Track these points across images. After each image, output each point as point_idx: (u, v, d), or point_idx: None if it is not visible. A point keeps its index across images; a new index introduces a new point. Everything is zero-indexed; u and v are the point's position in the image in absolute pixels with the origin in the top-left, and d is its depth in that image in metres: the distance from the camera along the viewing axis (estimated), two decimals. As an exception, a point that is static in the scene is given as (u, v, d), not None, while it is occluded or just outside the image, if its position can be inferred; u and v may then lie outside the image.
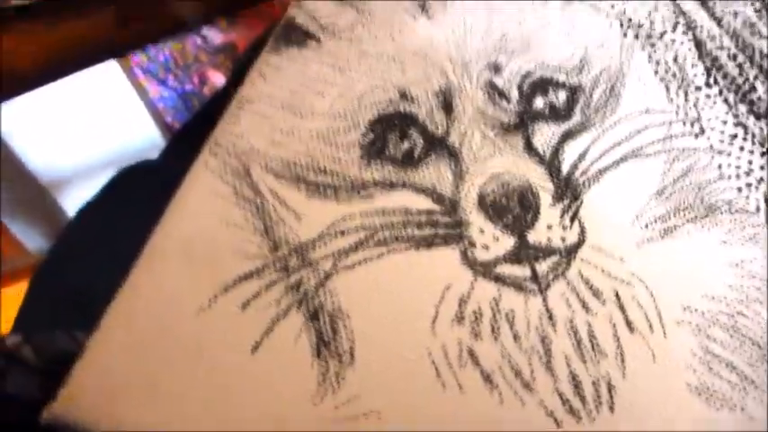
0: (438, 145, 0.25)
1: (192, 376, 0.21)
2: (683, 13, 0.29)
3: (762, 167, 0.27)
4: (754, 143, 0.27)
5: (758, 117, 0.28)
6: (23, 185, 1.03)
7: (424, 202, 0.24)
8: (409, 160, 0.25)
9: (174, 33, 0.32)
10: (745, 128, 0.27)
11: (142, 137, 1.09)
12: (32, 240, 1.03)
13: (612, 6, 0.29)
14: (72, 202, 1.06)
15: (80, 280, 0.31)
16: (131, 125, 1.08)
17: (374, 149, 0.25)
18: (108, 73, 0.95)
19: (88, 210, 0.45)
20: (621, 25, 0.29)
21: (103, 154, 1.08)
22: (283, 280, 0.22)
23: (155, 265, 0.22)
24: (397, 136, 0.25)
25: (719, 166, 0.26)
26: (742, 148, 0.27)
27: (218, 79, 1.10)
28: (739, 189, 0.26)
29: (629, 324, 0.23)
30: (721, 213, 0.26)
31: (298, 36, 0.26)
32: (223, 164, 0.24)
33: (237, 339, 0.21)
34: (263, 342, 0.21)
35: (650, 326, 0.23)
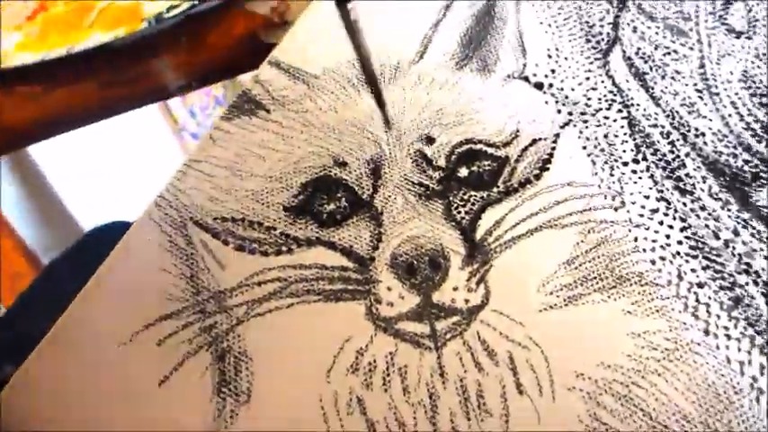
0: (362, 207, 0.28)
1: (107, 400, 0.23)
2: (621, 92, 0.31)
3: (679, 242, 0.27)
4: (674, 218, 0.28)
5: (683, 193, 0.29)
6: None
7: (340, 260, 0.27)
8: (332, 220, 0.27)
9: (155, 99, 0.35)
10: (668, 203, 0.28)
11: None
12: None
13: (551, 84, 0.31)
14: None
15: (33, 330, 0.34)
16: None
17: (301, 209, 0.27)
18: (157, 135, 1.03)
19: (57, 263, 0.48)
20: (557, 101, 0.31)
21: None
22: (199, 322, 0.25)
23: (92, 300, 0.25)
24: (325, 198, 0.28)
25: (635, 239, 0.27)
26: (661, 222, 0.28)
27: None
28: (653, 262, 0.27)
29: (518, 386, 0.24)
30: (630, 285, 0.26)
31: (250, 106, 0.30)
32: (164, 215, 0.27)
33: (149, 372, 0.24)
34: (172, 376, 0.24)
35: (540, 389, 0.24)
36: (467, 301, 0.26)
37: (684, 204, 0.28)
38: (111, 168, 1.04)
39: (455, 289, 0.26)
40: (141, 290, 0.26)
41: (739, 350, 0.25)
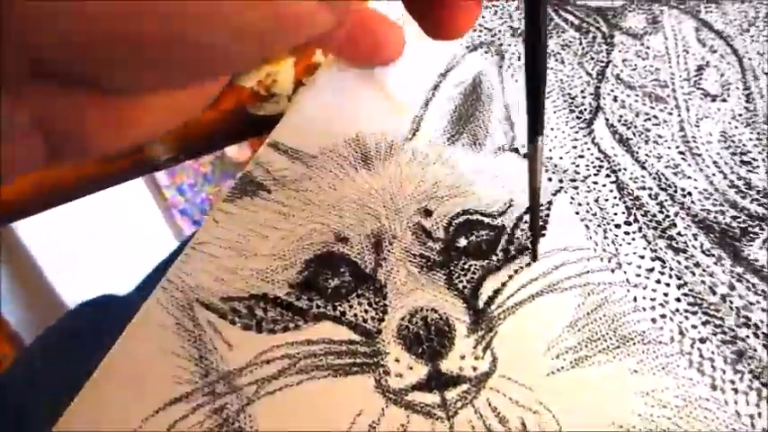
0: (365, 281, 0.28)
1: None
2: (608, 158, 0.32)
3: (677, 299, 0.28)
4: (671, 276, 0.29)
5: (676, 251, 0.29)
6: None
7: (347, 334, 0.27)
8: (337, 295, 0.28)
9: (145, 171, 0.37)
10: (663, 261, 0.29)
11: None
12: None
13: (540, 154, 0.32)
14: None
15: (26, 405, 0.34)
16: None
17: (305, 285, 0.28)
18: (146, 212, 1.04)
19: (48, 336, 0.47)
20: (547, 170, 0.32)
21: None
22: (209, 404, 0.25)
23: (99, 387, 0.25)
24: (329, 273, 0.28)
25: (635, 299, 0.28)
26: (658, 281, 0.29)
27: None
28: (653, 320, 0.27)
29: (532, 452, 0.24)
30: (634, 344, 0.27)
31: (252, 187, 0.31)
32: (171, 298, 0.27)
33: (160, 458, 0.24)
34: (183, 461, 0.24)
35: (554, 454, 0.24)
36: (474, 368, 0.26)
37: (679, 262, 0.29)
38: (100, 246, 1.04)
39: (462, 357, 0.26)
40: (150, 374, 0.26)
41: (748, 403, 0.26)
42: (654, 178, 0.32)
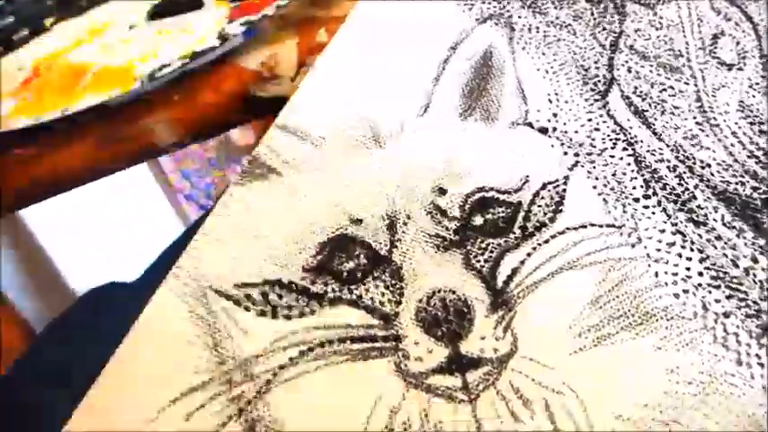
0: (381, 264, 0.27)
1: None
2: (624, 130, 0.31)
3: (700, 273, 0.27)
4: (692, 250, 0.28)
5: (697, 224, 0.29)
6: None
7: (364, 317, 0.26)
8: (353, 278, 0.27)
9: (150, 156, 0.36)
10: (684, 235, 0.28)
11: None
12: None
13: (555, 128, 0.32)
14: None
15: (39, 398, 0.33)
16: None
17: (320, 269, 0.27)
18: (151, 199, 1.03)
19: (56, 326, 0.46)
20: (562, 144, 0.31)
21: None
22: (226, 392, 0.25)
23: (115, 379, 0.25)
24: (344, 256, 0.28)
25: (656, 274, 0.27)
26: (680, 255, 0.28)
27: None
28: (676, 295, 0.27)
29: (557, 433, 0.24)
30: (657, 320, 0.26)
31: (262, 170, 0.30)
32: (183, 285, 0.27)
33: (179, 449, 0.23)
34: (203, 451, 0.23)
35: (580, 434, 0.24)
36: (495, 350, 0.25)
37: (700, 236, 0.28)
38: (107, 233, 1.03)
39: (482, 338, 0.26)
40: (165, 364, 0.25)
41: (775, 378, 0.25)
42: (672, 150, 0.31)
